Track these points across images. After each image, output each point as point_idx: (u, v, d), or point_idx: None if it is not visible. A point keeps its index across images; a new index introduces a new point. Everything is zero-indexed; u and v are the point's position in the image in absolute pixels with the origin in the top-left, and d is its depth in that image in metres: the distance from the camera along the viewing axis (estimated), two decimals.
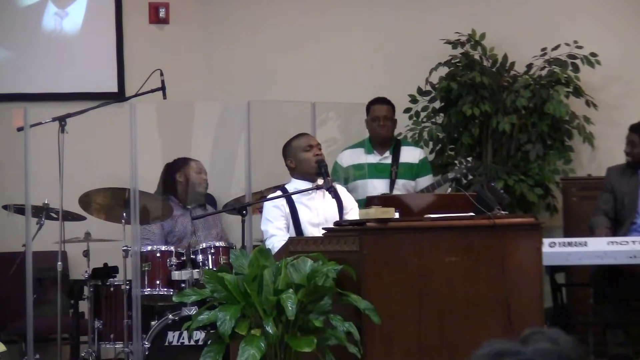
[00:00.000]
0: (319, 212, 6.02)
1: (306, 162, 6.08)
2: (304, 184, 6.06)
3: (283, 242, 5.65)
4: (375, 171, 7.50)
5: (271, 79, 8.22)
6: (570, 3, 8.35)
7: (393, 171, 7.50)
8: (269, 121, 7.25)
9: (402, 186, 7.48)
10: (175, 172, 7.24)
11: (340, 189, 6.19)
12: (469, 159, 7.25)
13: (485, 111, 7.78)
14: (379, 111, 7.55)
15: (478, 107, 7.77)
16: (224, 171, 7.89)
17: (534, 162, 7.81)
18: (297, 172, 6.12)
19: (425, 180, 7.48)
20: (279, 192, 6.08)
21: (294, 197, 6.01)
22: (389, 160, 7.54)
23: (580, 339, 6.83)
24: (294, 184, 6.11)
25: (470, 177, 7.21)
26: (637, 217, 7.25)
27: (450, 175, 7.22)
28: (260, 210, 6.23)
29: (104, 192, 6.62)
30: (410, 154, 7.58)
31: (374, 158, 7.56)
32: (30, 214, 6.40)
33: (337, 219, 5.89)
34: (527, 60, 8.01)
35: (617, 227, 7.19)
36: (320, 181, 6.00)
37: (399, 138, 7.80)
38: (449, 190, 7.44)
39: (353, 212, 5.99)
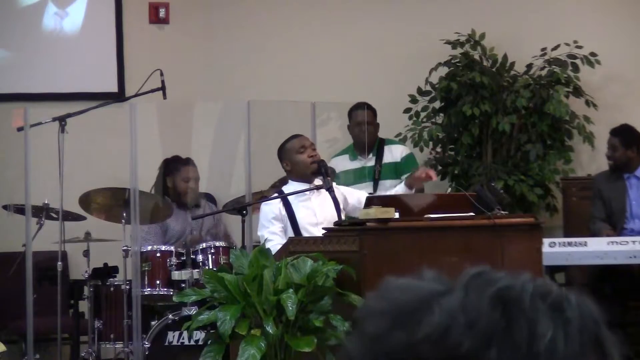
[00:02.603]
0: (316, 212, 6.00)
1: (301, 164, 6.05)
2: (301, 186, 6.04)
3: (279, 246, 5.64)
4: (357, 177, 7.47)
5: (271, 79, 8.22)
6: (570, 3, 8.36)
7: (376, 170, 7.49)
8: (269, 121, 7.25)
9: (389, 186, 7.43)
10: (167, 175, 7.20)
11: (339, 186, 6.17)
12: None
13: (485, 111, 7.78)
14: (361, 116, 7.53)
15: (478, 107, 7.76)
16: (224, 171, 7.89)
17: (534, 162, 7.81)
18: (293, 174, 6.10)
19: None
20: (275, 195, 6.07)
21: (290, 198, 5.98)
22: (372, 162, 7.55)
23: None
24: (291, 186, 6.09)
25: None
26: (627, 222, 7.28)
27: None
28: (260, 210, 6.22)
29: (104, 192, 6.62)
30: (392, 153, 7.58)
31: (358, 163, 7.57)
32: (30, 214, 6.40)
33: (336, 218, 5.88)
34: (527, 60, 8.01)
35: None
36: (317, 181, 5.99)
37: (384, 138, 7.77)
38: (449, 190, 7.43)
39: (360, 195, 6.04)
